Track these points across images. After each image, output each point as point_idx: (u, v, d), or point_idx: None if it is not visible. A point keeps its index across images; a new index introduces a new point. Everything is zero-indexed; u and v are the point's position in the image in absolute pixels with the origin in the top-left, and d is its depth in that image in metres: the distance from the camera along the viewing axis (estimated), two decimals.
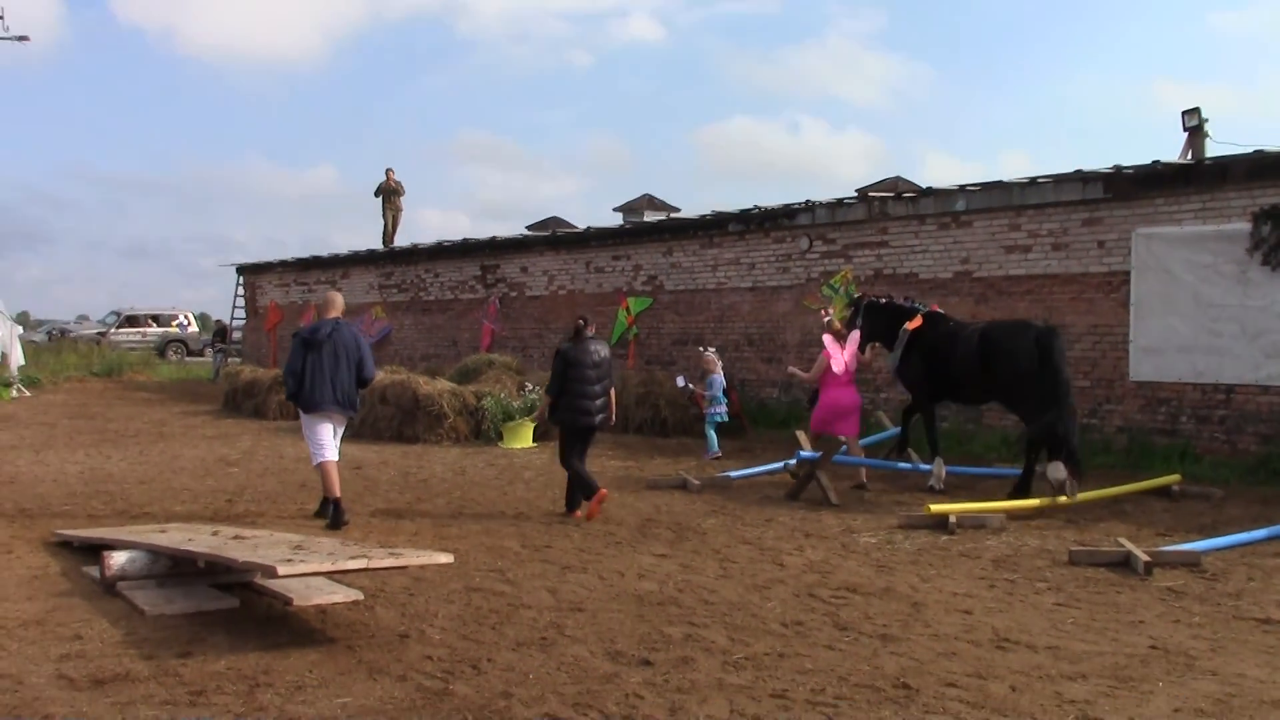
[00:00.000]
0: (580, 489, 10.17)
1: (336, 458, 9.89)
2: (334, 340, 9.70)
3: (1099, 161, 19.97)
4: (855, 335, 12.43)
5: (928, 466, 11.72)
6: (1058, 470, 10.33)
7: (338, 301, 10.24)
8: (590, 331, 10.39)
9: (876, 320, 12.57)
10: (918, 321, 11.97)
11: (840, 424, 12.20)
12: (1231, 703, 5.18)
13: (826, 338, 12.40)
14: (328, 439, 9.85)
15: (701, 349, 16.33)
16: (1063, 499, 10.25)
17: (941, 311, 12.38)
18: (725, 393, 15.28)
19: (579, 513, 10.13)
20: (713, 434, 14.76)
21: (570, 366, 10.07)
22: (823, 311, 13.71)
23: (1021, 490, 10.70)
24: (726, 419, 15.17)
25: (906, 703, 5.16)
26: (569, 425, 10.22)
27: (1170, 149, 15.41)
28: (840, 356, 12.19)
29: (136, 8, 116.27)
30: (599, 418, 10.25)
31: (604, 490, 10.12)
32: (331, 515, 9.67)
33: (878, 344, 12.69)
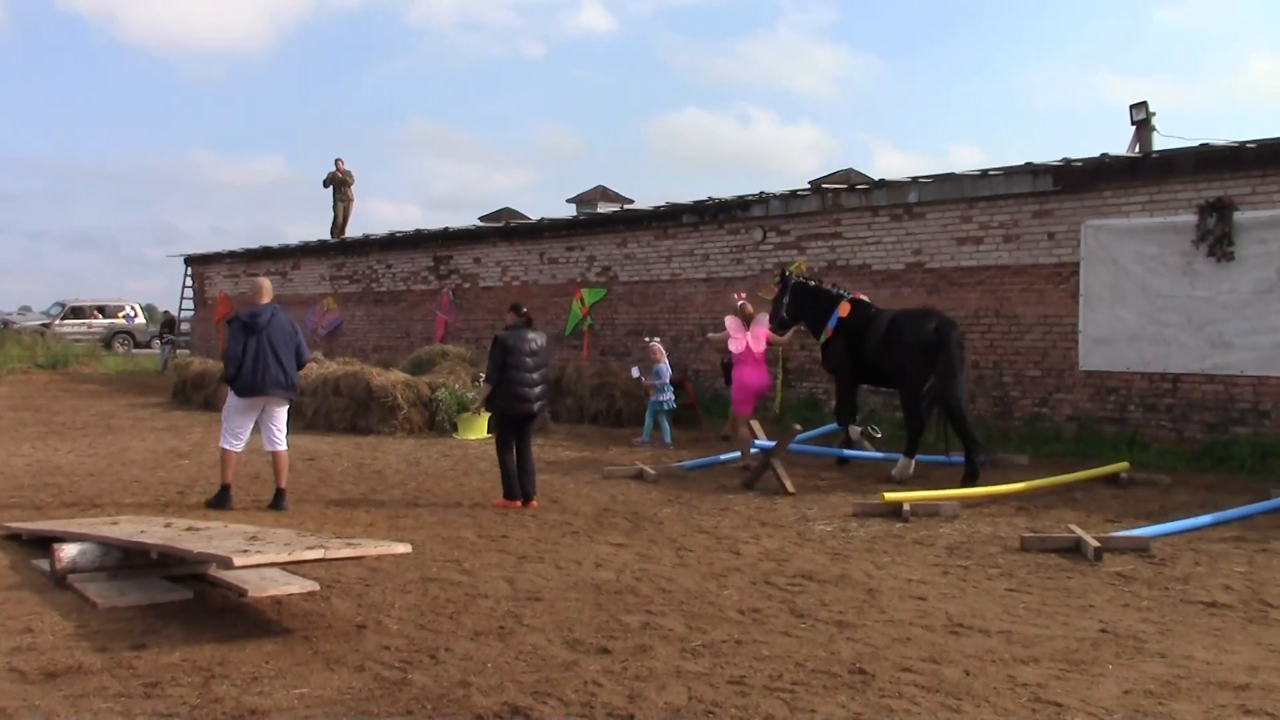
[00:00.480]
0: (504, 482, 10.33)
1: (284, 447, 10.14)
2: (273, 325, 9.95)
3: (1045, 154, 20.24)
4: (764, 318, 12.70)
5: (877, 454, 11.89)
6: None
7: (268, 287, 10.48)
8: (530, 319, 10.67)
9: (803, 302, 13.07)
10: (847, 308, 12.54)
11: (745, 404, 12.46)
12: (1179, 684, 5.28)
13: (729, 319, 12.69)
14: (245, 429, 10.09)
15: (647, 339, 16.42)
16: (1017, 487, 10.44)
17: (865, 299, 12.92)
18: (677, 383, 15.34)
19: (535, 502, 10.25)
20: (649, 421, 14.92)
21: (509, 354, 10.17)
22: (735, 295, 14.01)
23: (971, 477, 10.93)
24: (674, 406, 15.19)
25: (863, 688, 5.21)
26: (506, 412, 10.32)
27: (1114, 142, 15.63)
28: (741, 337, 12.44)
29: None
30: (537, 405, 10.37)
31: (518, 503, 10.20)
32: (217, 496, 10.06)
33: (801, 326, 13.10)
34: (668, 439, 14.69)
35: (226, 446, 10.05)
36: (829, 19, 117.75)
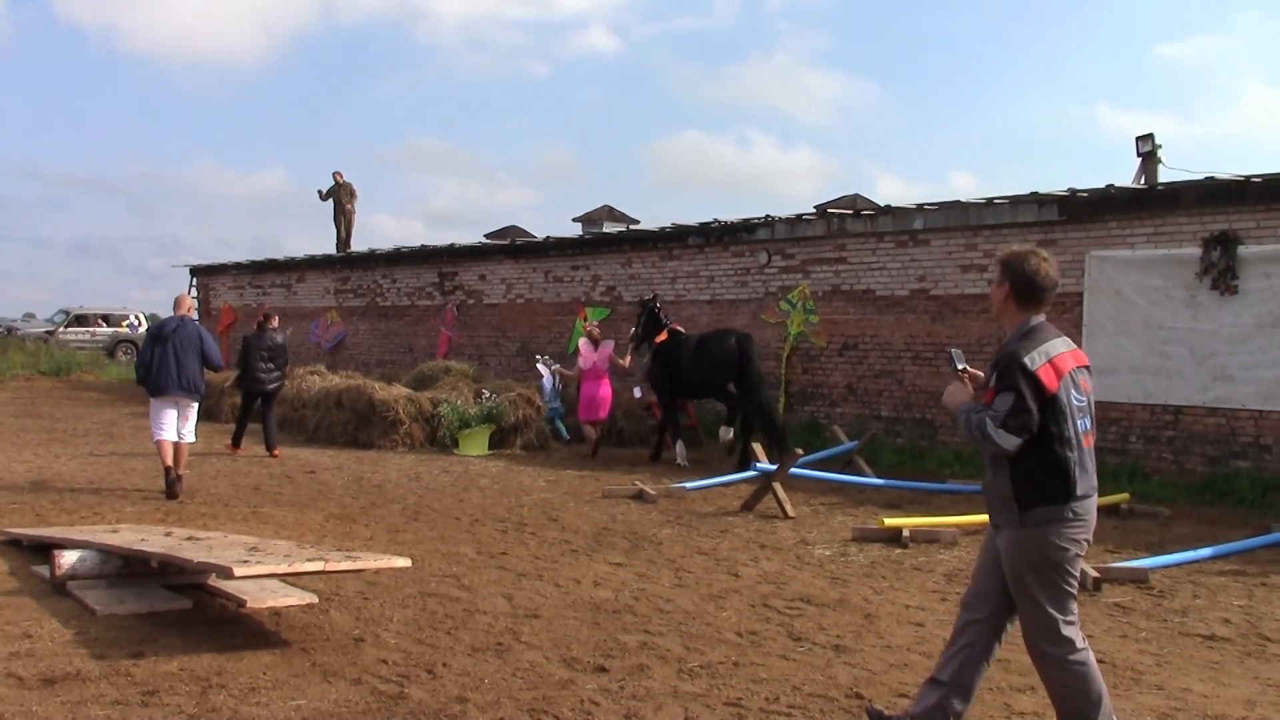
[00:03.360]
0: (236, 433, 15.13)
1: (175, 438, 11.32)
2: (178, 335, 11.34)
3: (1042, 183, 20.32)
4: (610, 343, 15.76)
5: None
6: (727, 434, 14.09)
7: (183, 302, 12.00)
8: (273, 324, 15.34)
9: (649, 326, 15.42)
10: (664, 336, 15.07)
11: (593, 411, 15.47)
12: (1176, 716, 5.28)
13: (582, 341, 15.74)
14: (169, 421, 11.34)
15: (538, 357, 18.45)
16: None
17: (680, 329, 15.43)
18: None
19: (276, 452, 14.57)
20: (559, 425, 17.31)
21: (248, 349, 14.64)
22: (586, 325, 17.27)
23: (743, 463, 13.12)
24: (561, 411, 17.39)
25: (859, 712, 5.21)
26: (248, 390, 15.01)
27: (1112, 174, 15.75)
28: (589, 356, 15.36)
29: (77, 5, 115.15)
30: (269, 386, 14.90)
31: (240, 450, 14.77)
32: (166, 484, 11.20)
33: (642, 347, 15.60)
34: (566, 435, 17.18)
35: (158, 437, 11.35)
36: (824, 44, 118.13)
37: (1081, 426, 4.49)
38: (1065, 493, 4.41)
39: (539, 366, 17.89)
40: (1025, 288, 4.62)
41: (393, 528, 9.84)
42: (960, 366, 4.85)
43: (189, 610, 6.75)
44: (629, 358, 15.74)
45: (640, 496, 11.80)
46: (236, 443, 14.98)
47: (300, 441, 16.71)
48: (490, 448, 15.83)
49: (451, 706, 5.15)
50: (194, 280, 32.57)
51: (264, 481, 12.49)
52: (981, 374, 4.82)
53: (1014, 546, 4.48)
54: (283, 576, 6.68)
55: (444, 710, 5.10)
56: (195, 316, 11.76)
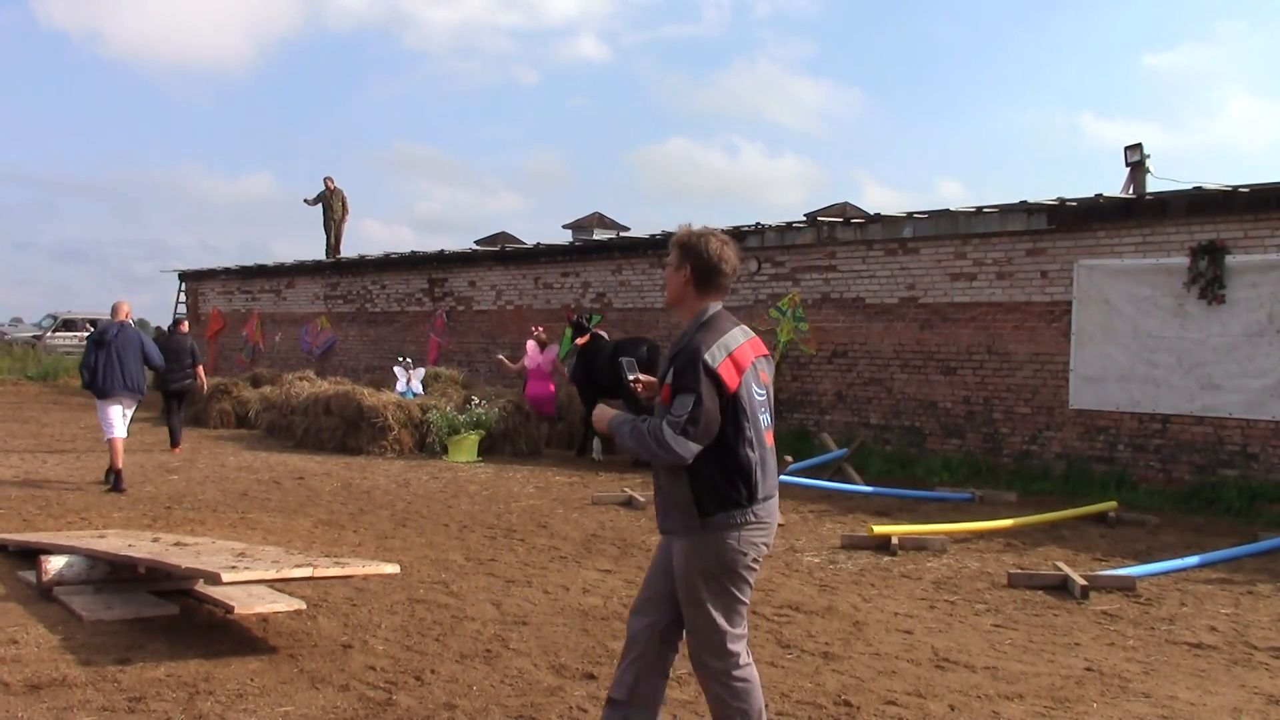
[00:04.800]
0: (172, 437, 15.83)
1: (124, 435, 12.13)
2: (119, 339, 12.05)
3: (1029, 192, 20.34)
4: (554, 346, 17.33)
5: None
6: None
7: (121, 308, 12.64)
8: (182, 329, 16.92)
9: (577, 332, 16.63)
10: (585, 338, 16.25)
11: (537, 407, 16.95)
12: None
13: (529, 343, 17.17)
14: (116, 420, 12.06)
15: (400, 357, 19.39)
16: (1005, 523, 10.47)
17: (603, 334, 16.59)
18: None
19: (178, 449, 15.55)
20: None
21: (163, 351, 14.20)
22: (534, 328, 17.93)
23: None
24: None
25: None
26: (164, 390, 15.82)
27: (1098, 182, 15.80)
28: (535, 358, 16.90)
29: (59, 10, 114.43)
30: (173, 386, 15.70)
31: (178, 449, 15.59)
32: (113, 481, 11.88)
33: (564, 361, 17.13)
34: None
35: (109, 435, 12.05)
36: (809, 52, 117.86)
37: (763, 422, 4.24)
38: (748, 496, 4.17)
39: (395, 370, 18.35)
40: (706, 273, 4.38)
41: (381, 534, 9.82)
42: (632, 377, 4.65)
43: (176, 616, 6.72)
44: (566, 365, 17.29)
45: (629, 503, 11.80)
46: (174, 442, 15.83)
47: (288, 447, 16.68)
48: (479, 454, 15.81)
49: (440, 714, 5.14)
50: (183, 285, 32.49)
51: (252, 487, 12.46)
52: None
53: (690, 553, 4.23)
54: (270, 582, 6.67)
55: (432, 717, 5.09)
56: (133, 320, 12.75)
